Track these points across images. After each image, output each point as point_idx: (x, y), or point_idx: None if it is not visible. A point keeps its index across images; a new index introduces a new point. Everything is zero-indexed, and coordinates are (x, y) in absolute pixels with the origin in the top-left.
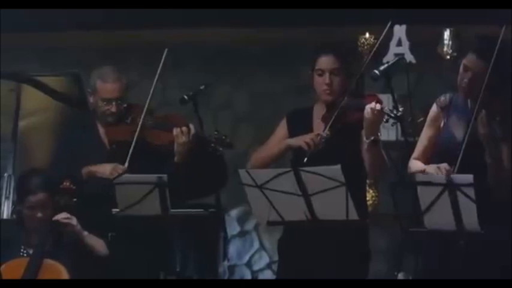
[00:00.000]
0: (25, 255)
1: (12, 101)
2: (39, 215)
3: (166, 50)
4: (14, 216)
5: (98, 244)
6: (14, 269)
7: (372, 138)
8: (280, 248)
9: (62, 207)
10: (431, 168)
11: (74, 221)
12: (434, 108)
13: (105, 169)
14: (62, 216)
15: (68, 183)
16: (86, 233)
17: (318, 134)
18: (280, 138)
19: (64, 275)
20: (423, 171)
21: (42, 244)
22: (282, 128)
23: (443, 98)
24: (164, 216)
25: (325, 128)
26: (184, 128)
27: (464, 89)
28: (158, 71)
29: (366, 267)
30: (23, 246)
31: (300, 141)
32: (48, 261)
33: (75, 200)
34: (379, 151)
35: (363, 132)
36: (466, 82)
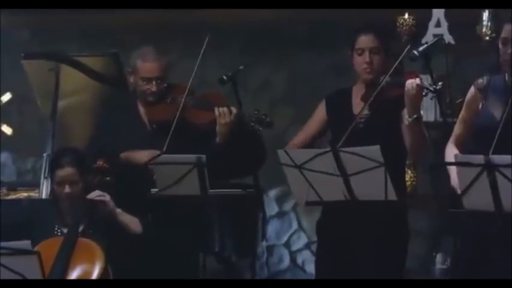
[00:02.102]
0: (59, 234)
1: (51, 81)
2: (67, 190)
3: (209, 33)
4: (50, 195)
5: (132, 222)
6: (49, 247)
7: (415, 116)
8: (319, 229)
9: (96, 186)
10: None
11: (107, 197)
12: (472, 91)
13: (142, 155)
14: (95, 194)
15: (101, 162)
16: (119, 210)
17: None
18: (318, 121)
19: (98, 253)
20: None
21: (76, 223)
22: (321, 111)
23: (481, 80)
24: (203, 197)
25: (365, 105)
26: (226, 109)
27: (507, 63)
28: (202, 51)
29: (405, 249)
30: (57, 226)
31: None
32: (83, 240)
33: (108, 178)
34: (421, 130)
35: (404, 111)
36: (509, 54)
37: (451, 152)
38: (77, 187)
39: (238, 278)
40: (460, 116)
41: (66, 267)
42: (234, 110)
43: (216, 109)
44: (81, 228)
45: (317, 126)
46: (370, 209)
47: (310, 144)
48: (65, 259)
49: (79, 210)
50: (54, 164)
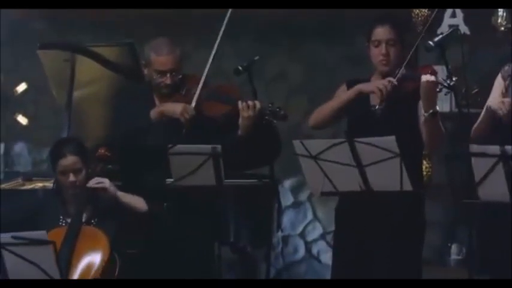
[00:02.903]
0: (64, 224)
1: (66, 71)
2: (71, 179)
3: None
4: (54, 186)
5: (137, 201)
6: (54, 237)
7: (431, 111)
8: (337, 217)
9: (98, 175)
10: (494, 102)
11: (106, 183)
12: (498, 78)
13: (175, 108)
14: (94, 181)
15: (103, 151)
16: (121, 193)
17: (390, 81)
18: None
19: (103, 241)
20: (487, 107)
21: (79, 212)
22: (343, 91)
23: (507, 67)
24: (218, 187)
25: (381, 100)
26: (251, 102)
27: None
28: (217, 42)
29: (421, 239)
30: (61, 216)
31: (371, 86)
32: (87, 228)
33: (110, 166)
34: (438, 124)
35: (420, 104)
36: None
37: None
38: (81, 175)
39: (253, 269)
40: (487, 102)
41: (71, 256)
42: (257, 104)
43: (239, 102)
44: (84, 217)
45: (339, 103)
46: (387, 199)
47: (329, 122)
48: (70, 248)
49: (83, 199)
50: (56, 155)
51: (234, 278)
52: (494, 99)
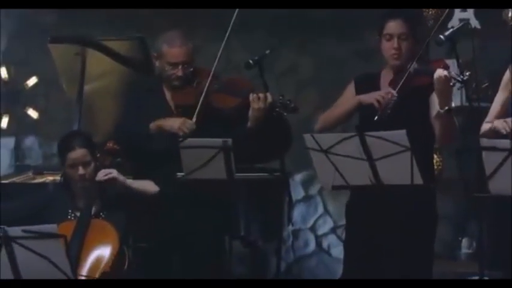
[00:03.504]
0: (73, 218)
1: (77, 65)
2: (81, 171)
3: (235, 13)
4: (61, 179)
5: (147, 185)
6: (63, 231)
7: (447, 108)
8: (348, 211)
9: (107, 168)
10: (498, 122)
11: (114, 173)
12: (507, 73)
13: (173, 123)
14: (102, 174)
15: (111, 144)
16: (129, 180)
17: (389, 92)
18: (348, 99)
19: (112, 234)
20: (492, 128)
21: (89, 205)
22: (350, 91)
23: None
24: (229, 180)
25: (381, 111)
26: (262, 94)
27: None
28: (226, 36)
29: (433, 233)
30: (70, 210)
31: (371, 98)
32: (96, 221)
33: (119, 160)
34: (452, 119)
35: (432, 98)
36: None
37: (485, 126)
38: (90, 168)
39: (263, 263)
40: (496, 97)
41: (80, 250)
42: (269, 96)
43: (250, 94)
44: (93, 210)
45: (348, 102)
46: (398, 193)
47: (335, 127)
48: (79, 241)
49: (92, 192)
50: (65, 148)
51: (242, 274)
52: (503, 93)
